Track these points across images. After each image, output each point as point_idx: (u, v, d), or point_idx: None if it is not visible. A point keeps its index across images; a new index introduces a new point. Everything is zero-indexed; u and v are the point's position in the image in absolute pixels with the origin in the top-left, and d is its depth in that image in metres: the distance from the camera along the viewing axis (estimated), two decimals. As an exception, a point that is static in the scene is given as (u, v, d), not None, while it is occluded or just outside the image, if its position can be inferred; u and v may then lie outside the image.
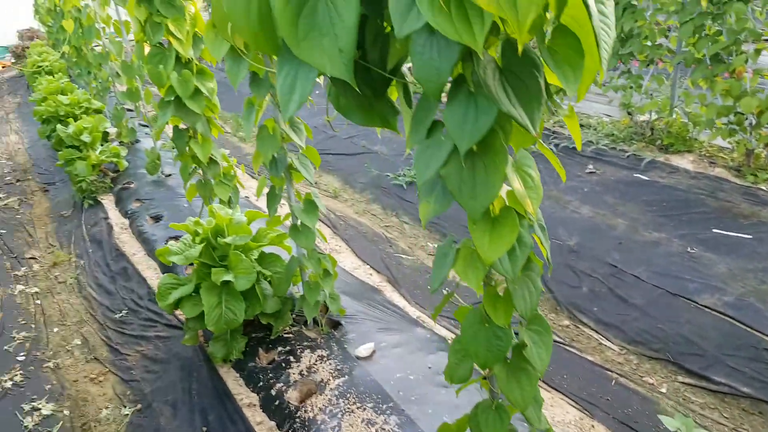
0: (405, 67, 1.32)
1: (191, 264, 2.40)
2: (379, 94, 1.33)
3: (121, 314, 2.89)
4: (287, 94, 1.26)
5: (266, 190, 2.29)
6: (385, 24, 1.30)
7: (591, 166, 4.38)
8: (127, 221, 3.81)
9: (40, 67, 7.51)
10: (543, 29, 0.95)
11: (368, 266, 3.31)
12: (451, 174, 1.13)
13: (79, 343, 2.73)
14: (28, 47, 10.68)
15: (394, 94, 1.34)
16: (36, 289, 3.22)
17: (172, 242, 2.28)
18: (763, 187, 3.83)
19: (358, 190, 4.38)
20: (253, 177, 4.72)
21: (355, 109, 1.30)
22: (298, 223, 2.24)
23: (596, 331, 2.82)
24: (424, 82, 1.01)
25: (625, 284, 3.00)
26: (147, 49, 2.83)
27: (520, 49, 0.78)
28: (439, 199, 1.25)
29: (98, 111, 5.25)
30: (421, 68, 1.00)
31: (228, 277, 2.17)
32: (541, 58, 1.01)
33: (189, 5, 2.71)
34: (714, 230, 3.39)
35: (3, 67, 12.09)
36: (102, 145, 4.49)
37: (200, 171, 3.11)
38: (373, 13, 1.21)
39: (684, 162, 4.30)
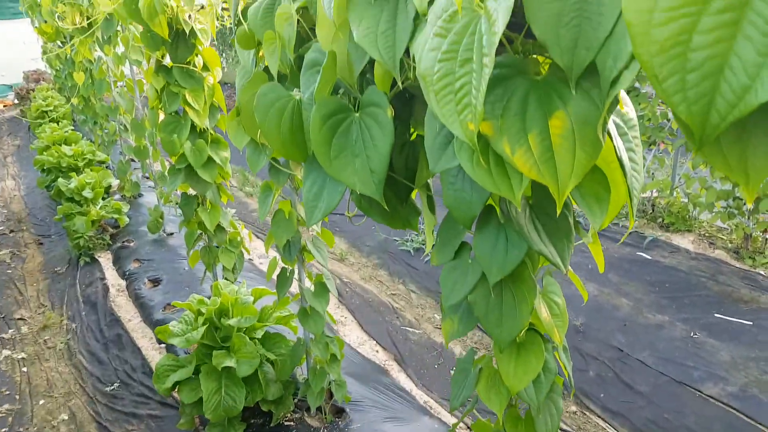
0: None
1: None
2: (403, 200, 1.32)
3: (112, 387, 2.76)
4: (313, 202, 1.25)
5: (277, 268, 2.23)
6: (412, 130, 1.30)
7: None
8: (124, 282, 3.71)
9: (45, 112, 7.55)
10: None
11: (374, 341, 3.22)
12: (479, 301, 1.12)
13: (66, 418, 2.58)
14: (33, 90, 10.79)
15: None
16: (23, 355, 3.09)
17: (173, 322, 2.20)
18: (762, 272, 3.89)
19: (365, 254, 4.34)
20: (258, 237, 4.67)
21: (377, 212, 1.28)
22: (308, 306, 2.18)
23: (603, 419, 2.79)
24: (454, 212, 1.00)
25: (631, 369, 3.00)
26: (161, 116, 2.84)
27: (558, 211, 0.77)
28: (463, 321, 1.23)
29: (102, 162, 5.22)
30: (452, 199, 0.99)
31: (230, 363, 2.08)
32: (570, 197, 1.01)
33: (208, 76, 2.73)
34: (716, 315, 3.45)
35: (4, 106, 12.16)
36: (103, 199, 4.43)
37: (206, 237, 3.06)
38: (400, 125, 1.21)
39: (685, 242, 4.34)
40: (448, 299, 1.14)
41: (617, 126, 0.94)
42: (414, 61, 0.86)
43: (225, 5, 1.81)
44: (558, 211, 0.78)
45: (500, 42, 0.82)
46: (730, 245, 4.22)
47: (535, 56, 0.89)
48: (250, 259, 4.10)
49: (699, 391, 2.78)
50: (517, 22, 0.76)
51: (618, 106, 0.91)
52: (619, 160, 0.87)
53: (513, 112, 0.76)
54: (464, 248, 1.15)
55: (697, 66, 0.54)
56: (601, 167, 0.97)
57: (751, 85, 0.52)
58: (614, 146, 0.86)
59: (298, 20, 1.25)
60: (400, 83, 0.95)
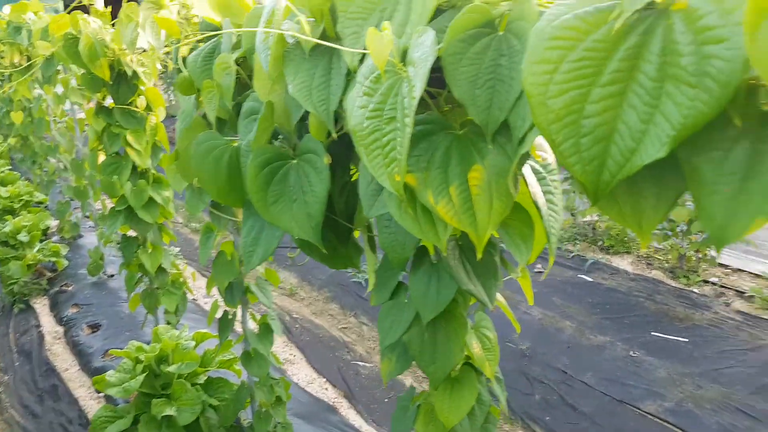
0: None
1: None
2: (344, 240, 1.34)
3: (45, 443, 2.59)
4: (250, 247, 1.25)
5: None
6: (352, 171, 1.33)
7: (539, 265, 4.54)
8: (61, 329, 3.52)
9: (-22, 151, 7.17)
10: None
11: (324, 379, 3.17)
12: (413, 340, 1.16)
13: (-8, 481, 2.40)
14: (-34, 126, 10.25)
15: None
16: (-53, 413, 2.86)
17: (111, 372, 2.10)
18: (695, 290, 4.12)
19: (316, 288, 4.29)
20: (203, 275, 4.54)
21: (317, 253, 1.29)
22: (251, 349, 2.13)
23: (549, 442, 2.84)
24: (389, 254, 1.04)
25: (575, 391, 3.10)
26: (101, 157, 2.77)
27: (479, 256, 0.81)
28: (400, 359, 1.26)
29: (40, 203, 5.00)
30: (387, 242, 1.03)
31: (170, 411, 2.00)
32: (496, 234, 1.06)
33: (151, 116, 2.69)
34: (653, 333, 3.60)
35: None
36: (41, 241, 4.23)
37: (147, 279, 2.96)
38: (340, 167, 1.24)
39: (624, 263, 4.55)
40: (385, 340, 1.16)
41: (536, 171, 1.01)
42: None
43: (168, 49, 1.81)
44: (479, 256, 0.83)
45: (424, 99, 0.87)
46: (666, 265, 4.46)
47: (460, 107, 0.95)
48: (194, 299, 3.99)
49: (638, 409, 2.91)
50: (442, 77, 0.82)
51: (533, 156, 0.98)
52: (536, 203, 0.93)
53: (436, 166, 0.81)
54: (400, 289, 1.18)
55: (589, 131, 0.60)
56: (526, 207, 1.03)
57: (637, 148, 0.58)
58: (530, 192, 0.92)
59: (238, 68, 1.27)
60: (334, 134, 0.98)
